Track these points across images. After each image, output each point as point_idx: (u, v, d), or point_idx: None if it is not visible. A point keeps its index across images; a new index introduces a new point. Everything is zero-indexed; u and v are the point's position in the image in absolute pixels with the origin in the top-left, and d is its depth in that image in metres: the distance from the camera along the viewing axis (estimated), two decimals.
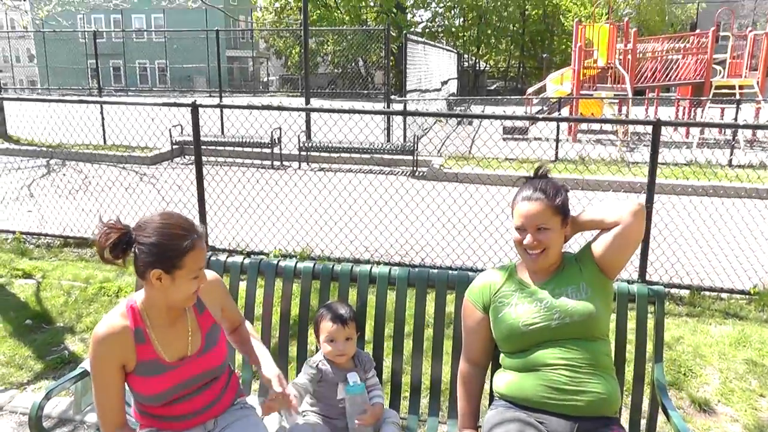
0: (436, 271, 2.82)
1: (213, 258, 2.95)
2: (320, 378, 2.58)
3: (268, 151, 12.82)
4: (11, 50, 46.75)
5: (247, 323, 2.65)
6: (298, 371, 2.70)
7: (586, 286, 2.37)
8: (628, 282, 2.74)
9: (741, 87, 16.77)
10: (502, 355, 2.47)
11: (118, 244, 2.12)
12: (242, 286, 2.98)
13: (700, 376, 4.12)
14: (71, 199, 8.95)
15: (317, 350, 2.70)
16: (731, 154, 12.99)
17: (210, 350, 2.28)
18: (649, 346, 2.66)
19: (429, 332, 3.12)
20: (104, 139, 14.67)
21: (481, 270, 5.80)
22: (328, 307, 2.66)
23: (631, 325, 2.62)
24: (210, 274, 2.38)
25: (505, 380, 2.40)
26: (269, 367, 2.40)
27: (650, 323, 2.65)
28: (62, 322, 4.80)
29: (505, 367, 2.44)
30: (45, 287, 5.46)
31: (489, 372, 2.61)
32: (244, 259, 2.96)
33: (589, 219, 2.46)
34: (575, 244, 2.69)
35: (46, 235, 7.04)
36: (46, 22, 18.74)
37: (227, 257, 2.97)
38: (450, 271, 2.80)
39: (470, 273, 2.74)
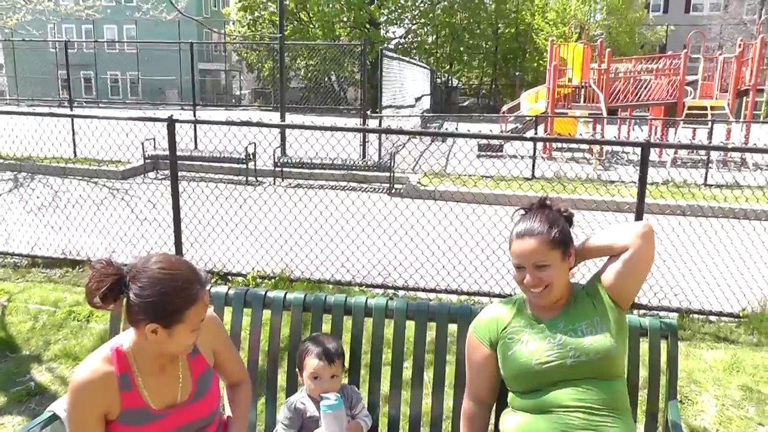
0: (436, 303, 2.66)
1: None
2: (301, 418, 2.40)
3: (242, 166, 12.60)
4: None
5: (249, 386, 2.42)
6: None
7: (600, 321, 2.22)
8: (639, 315, 2.60)
9: (712, 108, 16.94)
10: (511, 394, 2.31)
11: (111, 289, 1.89)
12: (226, 318, 2.79)
13: (696, 403, 4.01)
14: (40, 215, 8.65)
15: None
16: (706, 174, 13.05)
17: (201, 397, 2.08)
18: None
19: (428, 367, 2.96)
20: (75, 152, 14.32)
21: (470, 293, 5.73)
22: (315, 341, 2.47)
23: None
24: (207, 313, 2.16)
25: (515, 422, 2.23)
26: None
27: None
28: (28, 350, 4.54)
29: (514, 407, 2.28)
30: (10, 311, 5.19)
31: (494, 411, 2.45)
32: (228, 289, 2.77)
33: (595, 247, 2.33)
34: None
35: (12, 254, 6.73)
36: (16, 30, 18.35)
37: (209, 287, 2.78)
38: (451, 304, 2.63)
39: (472, 306, 2.59)
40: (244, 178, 12.54)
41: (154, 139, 12.43)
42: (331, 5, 39.43)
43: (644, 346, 2.54)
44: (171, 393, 2.02)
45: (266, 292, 2.75)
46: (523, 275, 2.24)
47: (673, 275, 6.24)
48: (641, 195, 5.19)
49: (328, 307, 2.70)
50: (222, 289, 2.78)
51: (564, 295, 2.29)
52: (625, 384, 2.27)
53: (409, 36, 44.35)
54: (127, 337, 2.00)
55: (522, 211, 2.39)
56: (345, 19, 40.50)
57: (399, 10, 42.09)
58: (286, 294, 2.74)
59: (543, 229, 2.24)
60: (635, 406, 2.45)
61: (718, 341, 5.03)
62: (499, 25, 44.22)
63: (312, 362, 2.41)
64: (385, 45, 40.06)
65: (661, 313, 5.54)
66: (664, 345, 2.52)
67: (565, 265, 2.26)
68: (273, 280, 6.02)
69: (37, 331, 4.81)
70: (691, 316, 5.50)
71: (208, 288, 1.99)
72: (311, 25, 40.59)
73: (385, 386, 2.70)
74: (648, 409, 2.49)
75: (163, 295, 1.85)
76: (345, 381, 2.61)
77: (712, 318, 5.52)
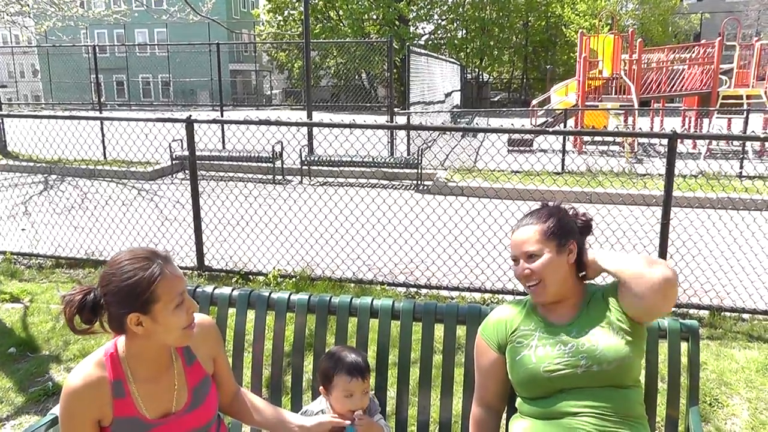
0: (444, 304, 2.54)
1: (199, 290, 2.69)
2: None
3: (269, 165, 12.59)
4: (15, 65, 46.69)
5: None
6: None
7: (615, 327, 2.08)
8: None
9: (748, 97, 16.51)
10: (519, 400, 2.19)
11: (84, 306, 1.83)
12: (230, 320, 2.72)
13: (727, 406, 3.84)
14: (66, 216, 8.72)
15: (312, 392, 2.43)
16: (741, 166, 12.71)
17: (198, 407, 1.99)
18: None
19: (436, 370, 2.86)
20: (104, 154, 14.46)
21: (495, 291, 5.60)
22: (341, 358, 2.31)
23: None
24: (202, 319, 2.08)
25: (522, 427, 2.12)
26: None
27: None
28: (48, 350, 4.54)
29: (522, 413, 2.17)
30: (32, 312, 5.21)
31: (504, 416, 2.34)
32: (232, 290, 2.70)
33: (611, 271, 2.14)
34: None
35: (37, 255, 6.78)
36: (49, 37, 18.61)
37: (214, 288, 2.71)
38: (460, 305, 2.52)
39: (482, 306, 2.48)
40: (271, 177, 12.53)
41: (180, 140, 12.47)
42: (359, 3, 39.41)
43: (664, 348, 2.40)
44: (166, 402, 1.94)
45: (270, 294, 2.67)
46: (520, 268, 2.17)
47: (704, 271, 6.03)
48: (668, 188, 5.04)
49: (332, 309, 2.62)
50: (225, 290, 2.71)
51: (573, 297, 2.17)
52: (642, 391, 2.15)
53: (439, 32, 44.09)
54: (121, 342, 1.93)
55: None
56: (374, 17, 40.42)
57: (428, 6, 41.86)
58: (290, 295, 2.65)
59: (538, 219, 2.18)
60: (654, 413, 2.31)
61: (751, 340, 4.84)
62: (529, 18, 43.78)
63: (344, 380, 2.26)
64: (415, 41, 39.90)
65: (692, 311, 5.35)
66: (684, 348, 2.37)
67: (562, 260, 2.14)
68: (294, 279, 5.96)
69: (57, 332, 4.81)
70: (722, 313, 5.30)
71: (178, 268, 1.91)
72: (340, 23, 40.58)
73: (392, 390, 2.61)
74: (668, 416, 2.35)
75: (125, 282, 1.78)
76: None
77: (745, 316, 5.32)
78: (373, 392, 2.51)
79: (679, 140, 5.49)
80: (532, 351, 2.12)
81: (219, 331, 2.21)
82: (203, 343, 2.05)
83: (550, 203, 2.29)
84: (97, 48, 17.28)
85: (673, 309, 5.35)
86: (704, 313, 5.33)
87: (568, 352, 2.05)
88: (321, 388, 2.35)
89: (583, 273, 2.23)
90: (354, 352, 2.35)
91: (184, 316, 1.87)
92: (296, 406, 2.54)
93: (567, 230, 2.18)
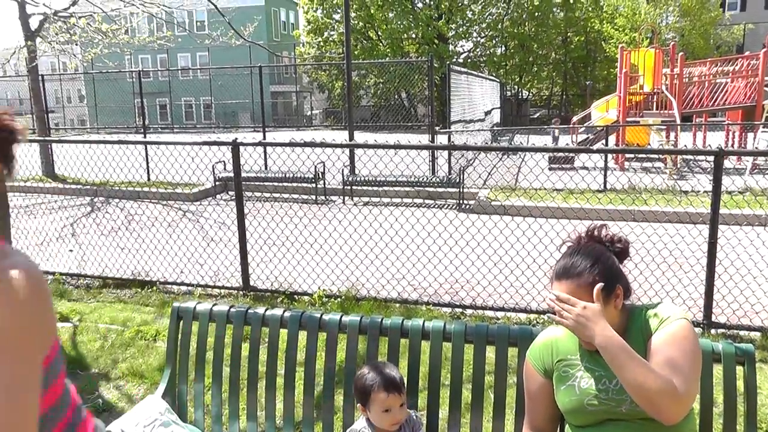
0: (495, 326, 2.55)
1: (250, 311, 2.74)
2: None
3: (311, 185, 12.71)
4: (63, 91, 47.95)
5: None
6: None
7: None
8: (717, 334, 2.43)
9: None
10: (567, 426, 2.19)
11: None
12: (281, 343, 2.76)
13: None
14: (113, 238, 8.90)
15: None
16: None
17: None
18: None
19: (487, 392, 2.86)
20: (148, 176, 14.76)
21: (540, 311, 5.56)
22: (378, 374, 2.36)
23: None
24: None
25: None
26: None
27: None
28: (97, 368, 4.64)
29: None
30: (81, 331, 5.33)
31: None
32: (284, 312, 2.74)
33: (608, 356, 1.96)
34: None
35: (85, 276, 6.95)
36: (95, 63, 19.12)
37: (265, 310, 2.76)
38: (511, 327, 2.52)
39: (533, 328, 2.48)
40: (314, 197, 12.63)
41: (224, 161, 12.66)
42: (398, 22, 39.68)
43: (718, 372, 2.36)
44: None
45: (321, 315, 2.70)
46: None
47: (753, 291, 5.91)
48: (715, 206, 4.98)
49: (384, 330, 2.64)
50: (278, 311, 2.75)
51: (617, 328, 2.04)
52: (695, 419, 2.11)
53: (478, 49, 44.17)
54: None
55: (569, 243, 2.23)
56: (413, 36, 40.67)
57: (467, 24, 41.99)
58: (342, 317, 2.69)
59: (583, 269, 2.05)
60: None
61: None
62: (568, 33, 43.61)
63: (381, 396, 2.32)
64: (454, 59, 40.00)
65: (742, 332, 5.24)
66: (740, 372, 2.33)
67: (609, 309, 2.04)
68: (339, 299, 5.99)
69: (106, 350, 4.92)
70: None
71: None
72: (380, 43, 40.90)
73: (444, 410, 2.62)
74: None
75: None
76: None
77: None
78: (424, 412, 2.53)
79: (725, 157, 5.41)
80: (576, 382, 2.09)
81: None
82: None
83: (583, 233, 2.21)
84: (141, 73, 17.68)
85: (723, 331, 5.25)
86: (755, 334, 5.21)
87: (613, 389, 2.01)
88: (359, 405, 2.41)
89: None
90: (387, 367, 2.41)
91: None
92: (347, 426, 2.57)
93: (615, 274, 2.09)
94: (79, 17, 14.15)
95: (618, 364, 1.90)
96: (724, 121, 19.82)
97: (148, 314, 5.70)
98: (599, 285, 2.00)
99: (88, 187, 13.14)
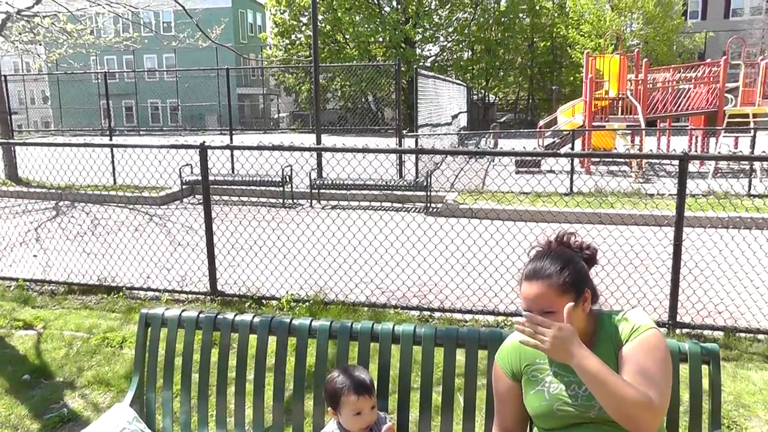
0: (465, 329, 2.56)
1: (219, 317, 2.72)
2: None
3: (279, 189, 12.65)
4: (26, 92, 47.18)
5: None
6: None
7: None
8: (682, 334, 2.47)
9: (755, 115, 16.53)
10: (536, 428, 2.21)
11: None
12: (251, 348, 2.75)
13: (745, 429, 3.83)
14: (78, 242, 8.76)
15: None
16: (749, 184, 12.70)
17: None
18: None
19: (457, 395, 2.87)
20: (114, 179, 14.56)
21: (509, 314, 5.60)
22: (348, 377, 2.37)
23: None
24: None
25: None
26: None
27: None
28: (62, 377, 4.55)
29: None
30: (46, 338, 5.23)
31: None
32: (253, 317, 2.72)
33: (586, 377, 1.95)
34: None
35: (50, 282, 6.81)
36: (59, 64, 18.85)
37: (235, 315, 2.74)
38: (481, 330, 2.54)
39: (502, 330, 2.49)
40: (281, 201, 12.58)
41: (190, 165, 12.56)
42: (365, 26, 39.72)
43: (684, 371, 2.40)
44: None
45: (291, 320, 2.69)
46: None
47: (717, 292, 6.02)
48: (680, 209, 5.06)
49: (354, 335, 2.64)
50: (247, 317, 2.73)
51: (585, 336, 2.08)
52: (662, 423, 2.14)
53: (445, 53, 44.40)
54: None
55: (538, 248, 2.23)
56: (381, 40, 40.73)
57: (434, 28, 42.20)
58: (311, 321, 2.68)
59: (552, 272, 2.06)
60: None
61: (767, 361, 4.83)
62: (534, 39, 44.05)
63: (352, 399, 2.33)
64: (422, 63, 40.15)
65: (706, 332, 5.33)
66: (705, 371, 2.38)
67: (578, 312, 2.07)
68: (307, 304, 5.97)
69: (71, 358, 4.83)
70: (737, 334, 5.27)
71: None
72: (347, 46, 40.90)
73: (414, 414, 2.62)
74: None
75: None
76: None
77: (761, 337, 5.28)
78: (394, 415, 2.54)
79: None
80: (545, 387, 2.11)
81: None
82: None
83: (553, 239, 2.23)
84: (107, 74, 17.45)
85: (688, 331, 5.34)
86: (719, 334, 5.30)
87: (582, 395, 2.03)
88: (329, 409, 2.41)
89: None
90: (357, 370, 2.42)
91: None
92: (317, 430, 2.57)
93: (584, 279, 2.11)
94: (44, 17, 13.94)
95: (596, 386, 1.91)
96: (688, 126, 20.17)
97: (114, 321, 5.62)
98: (570, 304, 2.00)
99: (53, 190, 12.92)
